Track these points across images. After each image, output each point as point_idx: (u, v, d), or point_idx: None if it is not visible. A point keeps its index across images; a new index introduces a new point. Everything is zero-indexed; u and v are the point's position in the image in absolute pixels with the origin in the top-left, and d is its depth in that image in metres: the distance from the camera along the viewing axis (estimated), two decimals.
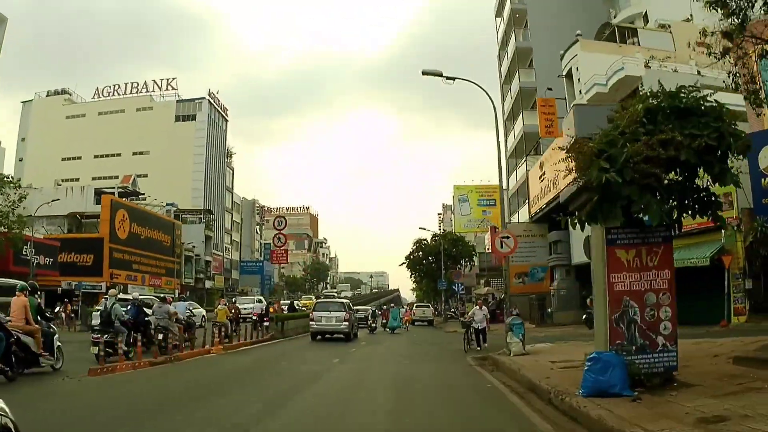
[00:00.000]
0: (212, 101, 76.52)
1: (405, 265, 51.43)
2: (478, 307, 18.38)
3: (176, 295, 28.27)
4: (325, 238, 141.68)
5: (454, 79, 17.55)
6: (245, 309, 29.35)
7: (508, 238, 16.01)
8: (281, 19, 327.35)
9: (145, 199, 62.50)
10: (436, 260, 46.21)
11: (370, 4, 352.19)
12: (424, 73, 17.60)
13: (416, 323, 42.58)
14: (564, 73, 32.15)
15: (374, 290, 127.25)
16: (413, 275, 55.01)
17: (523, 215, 39.25)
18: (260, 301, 33.12)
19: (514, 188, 41.71)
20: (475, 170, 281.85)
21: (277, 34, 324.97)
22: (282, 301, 35.72)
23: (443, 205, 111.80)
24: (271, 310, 26.91)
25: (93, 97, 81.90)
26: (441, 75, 17.53)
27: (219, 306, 22.55)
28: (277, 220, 27.91)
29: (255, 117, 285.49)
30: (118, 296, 15.55)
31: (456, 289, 39.38)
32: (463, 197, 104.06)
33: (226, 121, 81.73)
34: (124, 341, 13.31)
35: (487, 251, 48.43)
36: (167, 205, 67.35)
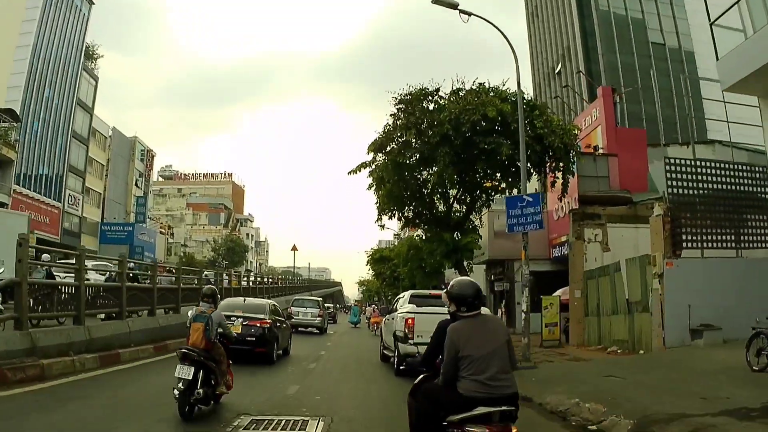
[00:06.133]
0: None
1: (367, 167, 17.06)
2: None
3: None
4: (250, 215, 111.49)
5: (469, 14, 13.82)
6: None
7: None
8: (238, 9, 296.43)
9: None
10: (467, 158, 15.96)
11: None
12: (434, 2, 13.76)
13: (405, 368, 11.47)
14: None
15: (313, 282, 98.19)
16: (386, 212, 18.30)
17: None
18: None
19: None
20: None
21: (232, 26, 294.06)
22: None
23: None
24: None
25: None
26: (456, 7, 13.76)
27: None
28: None
29: (204, 107, 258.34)
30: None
31: None
32: None
33: (91, 4, 52.83)
34: None
35: (597, 151, 21.42)
36: None
